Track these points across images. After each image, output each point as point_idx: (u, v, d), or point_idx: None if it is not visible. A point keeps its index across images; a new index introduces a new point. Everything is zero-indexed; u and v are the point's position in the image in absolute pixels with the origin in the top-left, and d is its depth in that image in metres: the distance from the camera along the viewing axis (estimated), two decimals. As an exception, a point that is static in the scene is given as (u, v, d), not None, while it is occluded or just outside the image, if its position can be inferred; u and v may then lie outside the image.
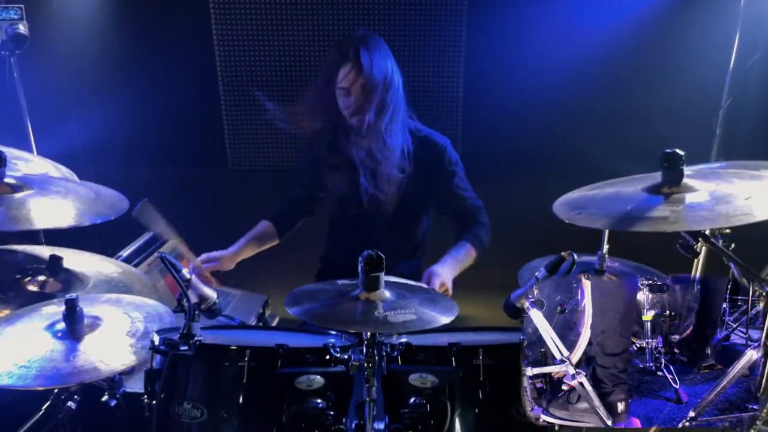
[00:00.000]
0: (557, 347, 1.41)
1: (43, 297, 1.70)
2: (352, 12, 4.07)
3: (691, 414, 1.38)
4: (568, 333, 1.43)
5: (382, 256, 1.42)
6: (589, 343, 1.43)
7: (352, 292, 1.47)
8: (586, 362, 1.42)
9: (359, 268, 1.43)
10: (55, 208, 1.64)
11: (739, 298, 1.46)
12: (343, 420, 1.46)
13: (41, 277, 1.79)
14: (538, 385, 1.43)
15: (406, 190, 2.21)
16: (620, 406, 1.40)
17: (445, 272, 2.09)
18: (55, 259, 1.81)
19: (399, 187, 2.19)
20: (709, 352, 1.44)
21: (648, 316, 1.44)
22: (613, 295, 1.45)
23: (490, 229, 2.31)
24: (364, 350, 1.40)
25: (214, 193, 4.25)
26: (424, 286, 1.90)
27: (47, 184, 1.74)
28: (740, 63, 3.23)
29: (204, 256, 2.20)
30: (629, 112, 3.99)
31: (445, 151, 2.27)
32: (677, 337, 1.45)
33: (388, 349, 1.47)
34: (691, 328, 1.46)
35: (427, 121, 2.36)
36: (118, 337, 1.46)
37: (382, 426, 1.46)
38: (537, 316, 1.43)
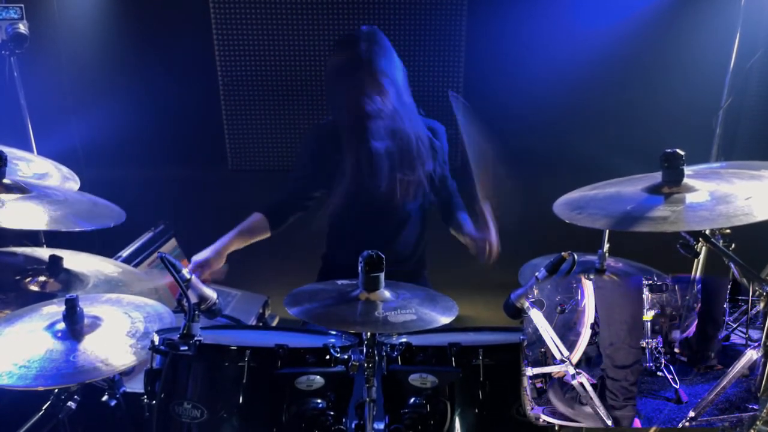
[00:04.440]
0: (557, 347, 1.41)
1: (43, 297, 1.70)
2: (351, 12, 4.07)
3: (691, 414, 1.38)
4: (568, 333, 1.43)
5: (382, 256, 1.42)
6: (590, 343, 1.43)
7: (352, 293, 1.47)
8: (587, 363, 1.42)
9: (359, 269, 1.43)
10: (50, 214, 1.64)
11: (740, 298, 1.46)
12: (343, 420, 1.46)
13: (42, 278, 1.79)
14: (538, 385, 1.42)
15: (408, 180, 2.18)
16: (626, 423, 1.39)
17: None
18: (55, 260, 1.81)
19: (402, 179, 2.16)
20: (711, 352, 1.44)
21: (648, 316, 1.44)
22: (619, 303, 1.43)
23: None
24: (364, 350, 1.40)
25: (214, 193, 4.25)
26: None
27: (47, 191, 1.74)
28: (740, 63, 3.23)
29: (191, 265, 2.05)
30: (629, 111, 4.00)
31: (442, 138, 2.27)
32: (677, 336, 1.45)
33: (388, 349, 1.47)
34: (691, 327, 1.46)
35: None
36: (118, 337, 1.46)
37: (382, 426, 1.46)
38: (537, 316, 1.42)
